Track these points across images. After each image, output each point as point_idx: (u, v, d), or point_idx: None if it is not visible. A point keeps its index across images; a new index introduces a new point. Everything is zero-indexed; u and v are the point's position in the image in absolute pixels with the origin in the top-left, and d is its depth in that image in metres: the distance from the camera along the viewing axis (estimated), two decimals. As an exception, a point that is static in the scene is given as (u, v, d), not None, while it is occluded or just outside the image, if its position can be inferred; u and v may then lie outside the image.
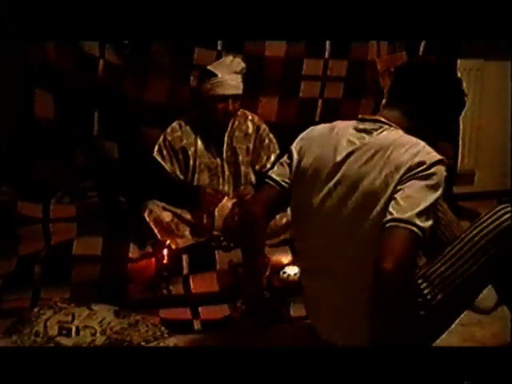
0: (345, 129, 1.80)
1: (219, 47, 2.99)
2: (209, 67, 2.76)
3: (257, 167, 2.91)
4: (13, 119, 2.87)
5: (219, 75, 2.71)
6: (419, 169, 1.60)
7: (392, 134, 1.73)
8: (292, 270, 2.51)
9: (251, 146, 2.91)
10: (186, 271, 2.52)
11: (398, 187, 1.61)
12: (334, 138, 1.79)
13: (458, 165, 3.51)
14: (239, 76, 2.78)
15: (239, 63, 2.79)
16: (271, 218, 2.04)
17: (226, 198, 2.71)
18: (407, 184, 1.61)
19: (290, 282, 2.47)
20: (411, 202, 1.57)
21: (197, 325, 2.28)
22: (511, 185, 3.41)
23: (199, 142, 2.85)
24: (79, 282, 2.39)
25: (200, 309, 2.36)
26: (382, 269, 1.49)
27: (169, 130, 2.85)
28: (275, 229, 2.70)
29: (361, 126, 1.78)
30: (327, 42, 3.12)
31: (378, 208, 1.63)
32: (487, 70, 3.58)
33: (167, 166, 2.81)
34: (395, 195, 1.60)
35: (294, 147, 1.89)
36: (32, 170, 2.88)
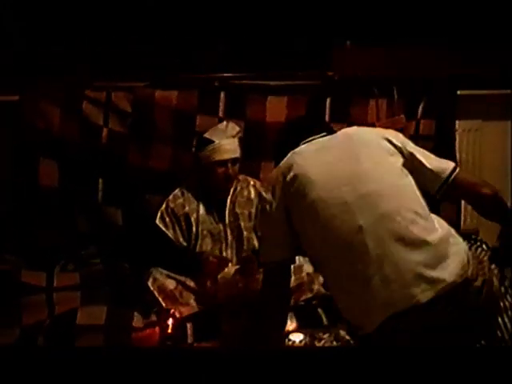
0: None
1: (220, 114, 3.06)
2: (205, 135, 2.80)
3: (259, 233, 2.91)
4: (15, 187, 2.91)
5: (216, 141, 2.75)
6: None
7: None
8: (297, 337, 2.47)
9: (253, 211, 2.91)
10: (190, 340, 2.50)
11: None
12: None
13: (462, 224, 3.52)
14: (235, 140, 2.81)
15: (234, 127, 2.84)
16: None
17: (229, 264, 2.71)
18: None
19: (296, 349, 2.45)
20: (434, 158, 2.00)
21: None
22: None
23: (201, 208, 2.85)
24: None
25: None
26: (489, 194, 1.93)
27: (171, 197, 2.86)
28: None
29: None
30: (327, 105, 3.19)
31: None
32: (486, 130, 3.62)
33: (170, 233, 2.81)
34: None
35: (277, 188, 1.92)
36: (36, 237, 2.91)
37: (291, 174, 1.89)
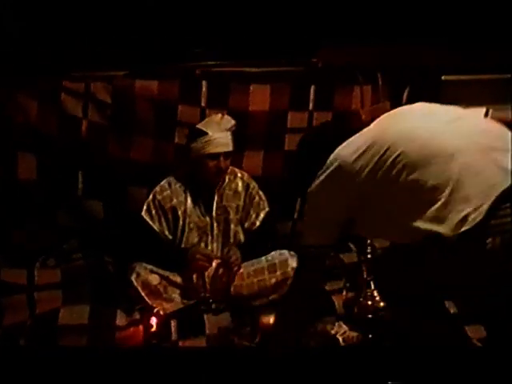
0: None
1: (203, 104, 3.00)
2: (198, 126, 2.75)
3: (246, 225, 2.87)
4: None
5: (210, 133, 2.70)
6: None
7: None
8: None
9: (241, 203, 2.88)
10: (174, 337, 2.47)
11: None
12: None
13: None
14: (229, 133, 2.76)
15: (229, 121, 2.78)
16: None
17: (215, 262, 2.67)
18: None
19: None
20: None
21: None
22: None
23: (189, 201, 2.81)
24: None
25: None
26: None
27: (158, 188, 2.81)
28: (264, 289, 2.68)
29: None
30: (311, 93, 3.14)
31: None
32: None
33: (155, 226, 2.76)
34: None
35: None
36: (15, 233, 2.86)
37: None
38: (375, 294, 2.58)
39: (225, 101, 3.01)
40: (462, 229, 1.65)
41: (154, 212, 2.77)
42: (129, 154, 2.96)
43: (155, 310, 2.47)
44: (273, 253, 2.78)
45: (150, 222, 2.76)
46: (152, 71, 2.94)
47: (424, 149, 1.75)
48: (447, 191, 1.69)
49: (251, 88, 3.03)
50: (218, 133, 2.71)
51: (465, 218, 1.65)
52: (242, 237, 2.87)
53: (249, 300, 2.67)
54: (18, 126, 2.81)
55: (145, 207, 2.78)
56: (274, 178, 3.11)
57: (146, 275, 2.61)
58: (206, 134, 2.70)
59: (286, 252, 2.78)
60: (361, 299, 2.59)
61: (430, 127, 1.82)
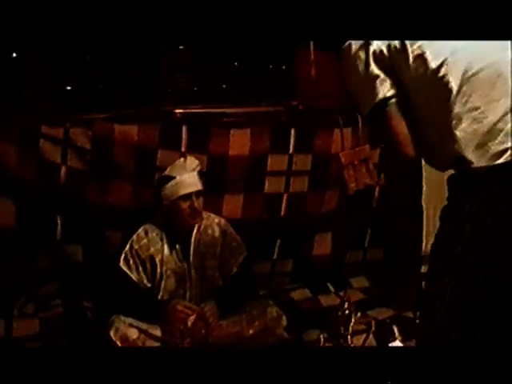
0: None
1: (183, 149, 2.99)
2: (165, 173, 2.77)
3: (224, 271, 2.88)
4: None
5: (177, 177, 2.73)
6: None
7: None
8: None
9: (218, 250, 2.88)
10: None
11: None
12: None
13: (424, 244, 3.55)
14: (195, 173, 2.79)
15: (193, 161, 2.82)
16: None
17: (194, 314, 2.67)
18: None
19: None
20: None
21: None
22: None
23: (166, 248, 2.81)
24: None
25: None
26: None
27: (135, 237, 2.80)
28: (242, 340, 2.69)
29: None
30: (291, 136, 3.15)
31: None
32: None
33: (134, 276, 2.76)
34: None
35: None
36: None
37: None
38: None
39: (205, 145, 3.00)
40: (497, 162, 1.62)
41: (131, 262, 2.77)
42: (107, 199, 2.94)
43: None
44: (251, 303, 2.80)
45: (128, 272, 2.76)
46: (132, 115, 2.93)
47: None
48: (493, 118, 1.65)
49: (231, 132, 3.02)
50: (185, 174, 2.75)
51: (504, 152, 1.62)
52: (219, 282, 2.88)
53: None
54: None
55: (122, 257, 2.77)
56: (253, 220, 3.13)
57: (125, 329, 2.60)
58: (174, 177, 2.73)
59: (264, 302, 2.81)
60: (337, 352, 2.64)
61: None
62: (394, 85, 1.72)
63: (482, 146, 1.66)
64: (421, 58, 1.70)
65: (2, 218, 2.82)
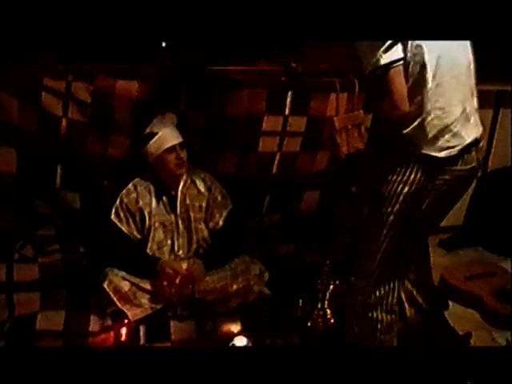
0: None
1: (181, 106, 3.06)
2: (146, 132, 2.89)
3: (210, 224, 3.03)
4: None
5: (159, 132, 2.85)
6: None
7: None
8: (240, 342, 2.67)
9: (204, 204, 3.02)
10: (142, 341, 2.70)
11: None
12: None
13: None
14: (174, 127, 2.91)
15: (171, 117, 2.94)
16: None
17: (181, 274, 2.83)
18: None
19: (239, 354, 2.67)
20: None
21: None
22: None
23: (154, 202, 2.96)
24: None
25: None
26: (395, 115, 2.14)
27: (124, 191, 2.95)
28: (226, 295, 2.89)
29: None
30: (288, 99, 3.21)
31: None
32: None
33: (124, 228, 2.92)
34: None
35: None
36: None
37: None
38: (328, 312, 2.84)
39: (203, 104, 3.07)
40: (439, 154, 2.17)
41: (122, 215, 2.93)
42: (106, 151, 3.04)
43: (125, 321, 2.68)
44: (236, 260, 2.98)
45: (119, 225, 2.93)
46: (132, 70, 2.96)
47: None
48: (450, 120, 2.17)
49: (229, 93, 3.08)
50: (166, 129, 2.87)
51: (448, 148, 2.18)
52: (206, 233, 3.04)
53: (213, 305, 2.88)
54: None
55: (113, 211, 2.93)
56: (246, 177, 3.26)
57: (118, 282, 2.79)
58: (156, 133, 2.85)
59: (248, 259, 2.99)
60: (314, 315, 2.84)
61: None
62: (402, 51, 2.08)
63: (434, 139, 2.17)
64: (419, 48, 2.11)
65: (5, 164, 2.93)
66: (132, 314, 2.76)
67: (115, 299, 2.76)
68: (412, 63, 2.12)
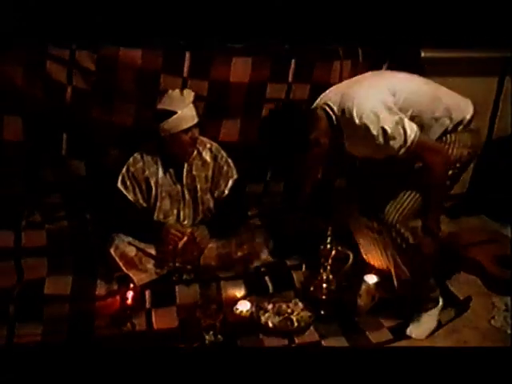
0: None
1: (185, 74, 3.07)
2: (165, 107, 2.83)
3: (216, 194, 3.06)
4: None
5: (179, 111, 2.81)
6: None
7: None
8: (244, 306, 2.75)
9: (209, 173, 3.05)
10: (148, 305, 2.76)
11: None
12: None
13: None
14: (192, 105, 2.88)
15: (190, 93, 2.88)
16: None
17: (185, 237, 2.89)
18: None
19: (242, 318, 2.73)
20: None
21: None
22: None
23: (160, 171, 2.98)
24: (50, 319, 2.61)
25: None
26: (434, 162, 2.60)
27: (131, 160, 2.97)
28: (231, 262, 2.96)
29: None
30: (291, 66, 3.21)
31: None
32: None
33: (130, 196, 2.95)
34: None
35: None
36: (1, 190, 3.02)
37: None
38: (330, 277, 2.88)
39: (207, 72, 3.08)
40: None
41: (128, 183, 2.96)
42: (111, 118, 3.07)
43: (131, 285, 2.74)
44: (242, 227, 3.04)
45: (125, 192, 2.96)
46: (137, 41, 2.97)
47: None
48: None
49: (233, 60, 3.09)
50: (185, 108, 2.83)
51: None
52: (211, 204, 3.08)
53: (216, 271, 2.95)
54: (3, 90, 2.88)
55: (120, 178, 2.96)
56: (250, 143, 3.25)
57: (124, 247, 2.85)
58: (175, 112, 2.81)
59: (252, 227, 3.04)
60: (317, 280, 2.89)
61: None
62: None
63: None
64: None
65: (12, 132, 2.97)
66: (137, 278, 2.82)
67: (121, 264, 2.82)
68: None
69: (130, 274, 2.82)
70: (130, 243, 2.87)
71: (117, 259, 2.82)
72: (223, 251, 2.96)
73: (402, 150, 2.49)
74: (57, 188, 3.16)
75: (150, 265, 2.88)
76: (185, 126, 2.84)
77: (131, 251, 2.86)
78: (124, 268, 2.82)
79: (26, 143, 3.01)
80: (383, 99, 2.50)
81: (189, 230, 2.93)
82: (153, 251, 2.89)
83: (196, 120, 2.87)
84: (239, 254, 2.97)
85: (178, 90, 2.88)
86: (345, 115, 2.52)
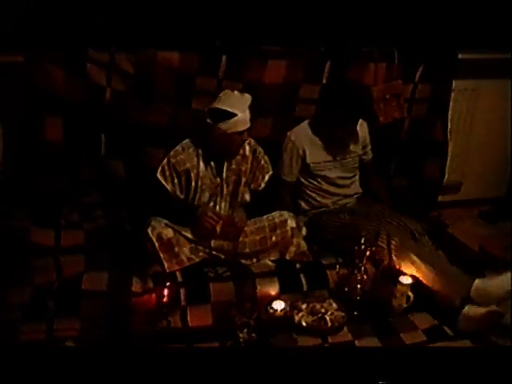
0: None
1: (220, 75, 3.13)
2: (226, 107, 2.87)
3: (252, 186, 3.13)
4: (22, 143, 3.05)
5: (239, 114, 2.87)
6: None
7: None
8: (279, 306, 2.74)
9: (248, 166, 3.12)
10: (183, 303, 2.79)
11: None
12: None
13: (446, 178, 3.71)
14: (248, 110, 2.93)
15: (249, 98, 2.94)
16: None
17: (222, 221, 2.96)
18: None
19: (277, 318, 2.72)
20: None
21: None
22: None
23: (201, 165, 3.03)
24: (88, 314, 2.66)
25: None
26: None
27: (172, 153, 3.02)
28: (265, 246, 3.02)
29: None
30: (326, 68, 3.24)
31: None
32: (482, 90, 3.67)
33: (168, 186, 3.01)
34: None
35: None
36: (40, 183, 3.08)
37: None
38: (365, 277, 2.88)
39: (242, 74, 3.15)
40: None
41: (167, 173, 3.02)
42: (148, 118, 3.14)
43: (167, 284, 2.78)
44: (273, 213, 3.09)
45: (164, 182, 3.03)
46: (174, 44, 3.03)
47: None
48: None
49: (268, 63, 3.15)
50: (244, 112, 2.90)
51: None
52: (247, 197, 3.16)
53: (251, 256, 3.03)
54: (44, 92, 2.95)
55: (160, 169, 3.03)
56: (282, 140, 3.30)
57: (161, 229, 2.91)
58: (236, 115, 2.87)
59: (285, 213, 3.08)
60: (351, 280, 2.89)
61: None
62: None
63: None
64: None
65: (52, 133, 3.04)
66: (168, 265, 2.88)
67: (157, 245, 2.88)
68: None
69: (162, 258, 2.88)
70: (167, 225, 2.93)
71: (154, 239, 2.87)
72: (258, 237, 3.02)
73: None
74: (95, 187, 3.23)
75: (186, 249, 2.95)
76: (240, 129, 2.91)
77: (169, 233, 2.92)
78: (159, 250, 2.88)
79: (66, 143, 3.08)
80: None
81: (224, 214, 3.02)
82: (189, 234, 2.96)
83: (249, 124, 2.94)
84: (274, 239, 3.02)
85: (237, 92, 2.94)
86: None
